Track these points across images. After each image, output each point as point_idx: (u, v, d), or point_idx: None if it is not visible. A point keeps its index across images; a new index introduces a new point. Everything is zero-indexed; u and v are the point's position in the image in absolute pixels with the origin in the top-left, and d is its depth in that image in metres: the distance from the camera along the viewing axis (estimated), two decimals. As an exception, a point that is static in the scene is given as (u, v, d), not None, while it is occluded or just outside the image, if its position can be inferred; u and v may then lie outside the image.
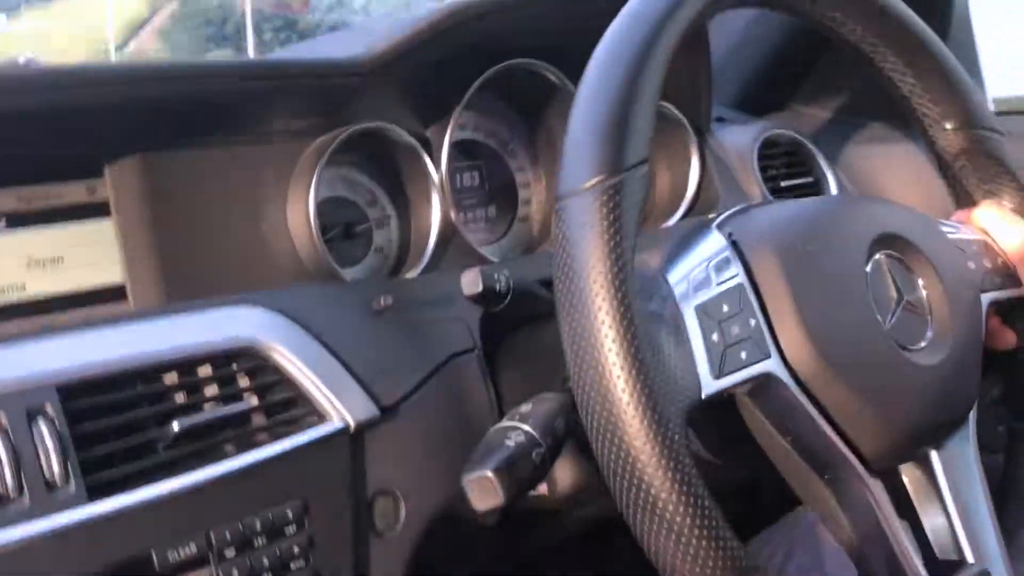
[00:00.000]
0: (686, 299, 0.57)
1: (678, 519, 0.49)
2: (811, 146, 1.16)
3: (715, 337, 0.56)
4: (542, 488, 0.75)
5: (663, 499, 0.49)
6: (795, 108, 1.30)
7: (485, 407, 0.77)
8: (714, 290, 0.57)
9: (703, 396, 0.54)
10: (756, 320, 0.57)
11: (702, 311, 0.57)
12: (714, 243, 0.61)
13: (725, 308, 0.57)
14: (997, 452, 0.77)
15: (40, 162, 0.70)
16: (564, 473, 0.75)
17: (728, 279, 0.59)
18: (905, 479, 0.66)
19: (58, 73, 0.66)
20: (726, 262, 0.59)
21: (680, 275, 0.58)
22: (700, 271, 0.58)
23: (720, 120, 1.19)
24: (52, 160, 0.71)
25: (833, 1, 0.69)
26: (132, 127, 0.72)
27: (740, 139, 1.11)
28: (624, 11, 0.57)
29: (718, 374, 0.55)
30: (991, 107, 1.24)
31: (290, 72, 0.76)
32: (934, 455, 0.65)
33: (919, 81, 0.73)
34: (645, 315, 0.54)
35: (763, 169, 1.10)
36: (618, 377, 0.50)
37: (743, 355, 0.56)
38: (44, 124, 0.68)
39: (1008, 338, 0.73)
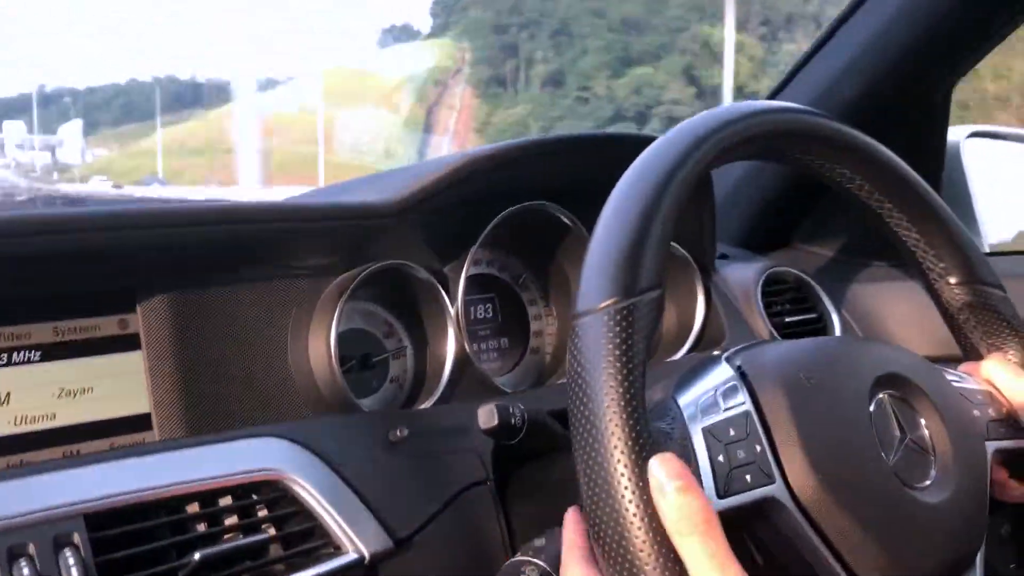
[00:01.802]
0: (694, 421, 0.59)
1: None
2: (814, 283, 1.19)
3: (721, 458, 0.58)
4: None
5: None
6: (797, 246, 1.34)
7: (497, 540, 0.78)
8: (721, 415, 0.60)
9: None
10: (761, 446, 0.59)
11: (709, 433, 0.59)
12: (723, 373, 0.63)
13: (732, 432, 0.59)
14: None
15: (76, 296, 0.74)
16: None
17: (735, 406, 0.61)
18: None
19: (95, 216, 0.70)
20: (734, 390, 0.61)
21: (689, 399, 0.61)
22: (708, 396, 0.61)
23: (724, 257, 1.23)
24: (87, 295, 0.74)
25: (840, 158, 0.73)
26: (165, 264, 0.76)
27: (744, 275, 1.15)
28: (643, 155, 0.62)
29: (723, 494, 0.57)
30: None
31: (321, 215, 0.80)
32: None
33: (923, 237, 0.76)
34: (654, 433, 0.56)
35: (767, 305, 1.13)
36: (627, 491, 0.52)
37: (748, 478, 0.58)
38: (80, 264, 0.72)
39: (1016, 491, 0.73)
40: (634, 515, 0.52)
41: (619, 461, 0.52)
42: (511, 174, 0.92)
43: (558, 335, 1.07)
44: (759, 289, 1.13)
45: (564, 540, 0.59)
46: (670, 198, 0.60)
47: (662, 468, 0.51)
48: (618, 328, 0.55)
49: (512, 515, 0.80)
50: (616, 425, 0.53)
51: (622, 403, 0.53)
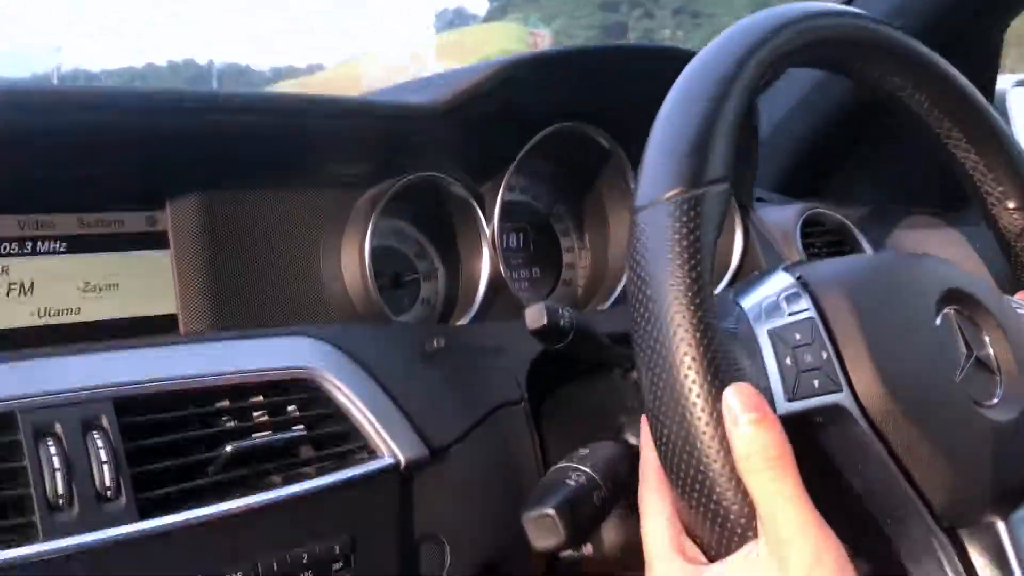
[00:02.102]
0: (759, 321, 0.56)
1: (751, 533, 0.48)
2: (852, 226, 1.16)
3: (788, 361, 0.55)
4: (587, 549, 0.72)
5: (735, 512, 0.48)
6: (835, 193, 1.31)
7: (530, 460, 0.76)
8: (786, 318, 0.57)
9: (777, 415, 0.53)
10: (828, 353, 0.56)
11: (775, 335, 0.56)
12: (783, 280, 0.60)
13: (798, 336, 0.56)
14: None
15: (103, 188, 0.71)
16: (611, 534, 0.72)
17: (799, 311, 0.58)
18: (970, 549, 0.64)
19: (130, 95, 0.67)
20: (796, 296, 0.59)
21: (752, 302, 0.58)
22: (771, 300, 0.58)
23: (760, 200, 1.20)
24: (114, 188, 0.71)
25: (902, 70, 0.70)
26: (197, 157, 0.73)
27: (783, 216, 1.12)
28: (708, 47, 0.59)
29: (792, 396, 0.54)
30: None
31: (362, 110, 0.77)
32: (1000, 526, 0.63)
33: (982, 159, 0.73)
34: (721, 333, 0.53)
35: (806, 247, 1.10)
36: (695, 385, 0.49)
37: (816, 384, 0.55)
38: (111, 148, 0.69)
39: None
40: (703, 409, 0.49)
41: (687, 355, 0.49)
42: (552, 89, 0.89)
43: (591, 267, 1.04)
44: (799, 230, 1.10)
45: (643, 457, 0.56)
46: (737, 91, 0.57)
47: (737, 397, 0.48)
48: (685, 219, 0.52)
49: (546, 436, 0.78)
50: (685, 320, 0.49)
51: (690, 297, 0.50)
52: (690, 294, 0.50)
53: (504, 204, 0.94)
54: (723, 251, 1.05)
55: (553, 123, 0.91)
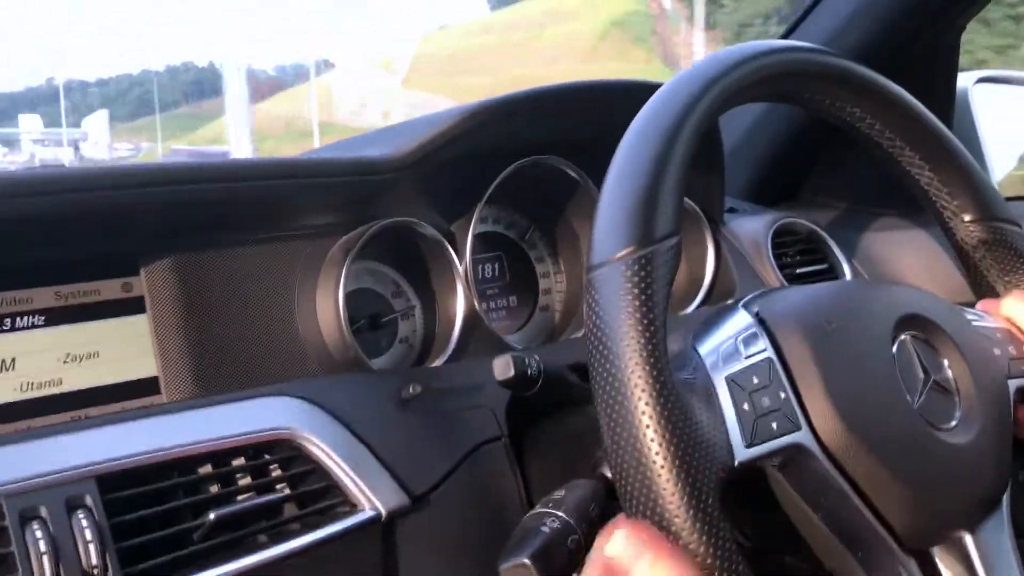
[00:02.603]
0: (716, 369, 0.58)
1: None
2: (824, 234, 1.18)
3: (746, 407, 0.57)
4: None
5: (699, 563, 0.50)
6: (806, 199, 1.32)
7: (514, 495, 0.77)
8: (743, 362, 0.58)
9: (736, 463, 0.55)
10: (786, 393, 0.58)
11: (732, 381, 0.57)
12: (741, 320, 0.62)
13: (755, 380, 0.58)
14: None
15: (77, 261, 0.72)
16: None
17: (756, 353, 0.60)
18: (940, 565, 0.65)
19: (92, 175, 0.69)
20: (754, 337, 0.60)
21: (710, 347, 0.60)
22: (729, 344, 0.60)
23: (732, 211, 1.22)
24: (88, 258, 0.73)
25: (852, 97, 0.72)
26: (166, 226, 0.74)
27: (754, 228, 1.13)
28: (652, 100, 0.60)
29: (750, 443, 0.56)
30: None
31: (322, 171, 0.79)
32: (968, 540, 0.64)
33: (936, 175, 0.75)
34: (678, 383, 0.54)
35: (778, 257, 1.12)
36: (653, 443, 0.51)
37: (774, 426, 0.57)
38: (80, 225, 0.70)
39: None
40: (661, 467, 0.51)
41: (644, 413, 0.51)
42: (517, 127, 0.91)
43: (567, 292, 1.06)
44: (769, 241, 1.12)
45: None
46: (683, 142, 0.58)
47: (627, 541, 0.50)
48: (637, 279, 0.53)
49: (528, 470, 0.79)
50: (640, 379, 0.51)
51: (645, 355, 0.52)
52: (645, 354, 0.51)
53: (477, 236, 0.96)
54: (696, 268, 1.07)
55: (519, 157, 0.93)
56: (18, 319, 0.70)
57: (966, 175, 0.75)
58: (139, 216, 0.72)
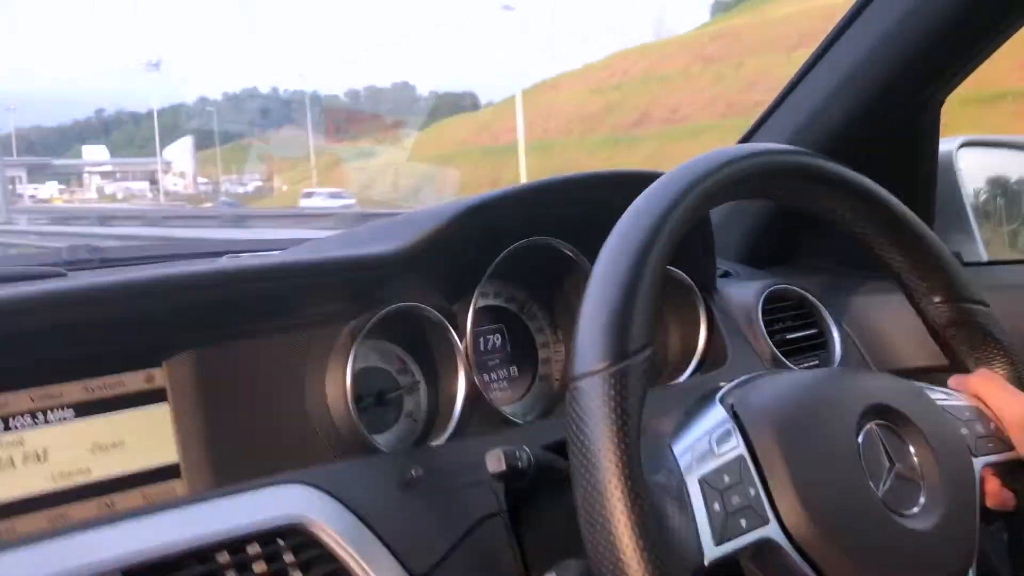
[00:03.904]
0: (690, 471, 0.63)
1: None
2: (814, 299, 1.22)
3: (716, 506, 0.61)
4: None
5: None
6: (799, 261, 1.37)
7: (511, 571, 0.82)
8: (716, 461, 0.63)
9: (707, 562, 0.59)
10: (755, 489, 0.63)
11: (705, 482, 0.62)
12: (716, 416, 0.67)
13: (726, 479, 0.63)
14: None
15: (103, 355, 0.78)
16: None
17: (729, 451, 0.64)
18: None
19: (114, 287, 0.75)
20: (727, 434, 0.65)
21: (685, 446, 0.65)
22: (703, 443, 0.65)
23: (726, 275, 1.27)
24: (113, 353, 0.79)
25: (822, 192, 0.77)
26: (187, 323, 0.80)
27: (745, 294, 1.18)
28: (626, 214, 0.66)
29: (719, 541, 0.60)
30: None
31: (327, 269, 0.84)
32: None
33: (905, 259, 0.80)
34: (652, 486, 0.60)
35: (769, 323, 1.16)
36: (627, 547, 0.56)
37: (743, 523, 0.61)
38: (106, 328, 0.77)
39: (1007, 500, 0.76)
40: (635, 570, 0.56)
41: (619, 521, 0.56)
42: (514, 215, 0.96)
43: (565, 361, 1.11)
44: (760, 308, 1.16)
45: None
46: (654, 256, 0.63)
47: None
48: (613, 392, 0.59)
49: (526, 545, 0.84)
50: (616, 488, 0.57)
51: (620, 466, 0.57)
52: (620, 464, 0.57)
53: (479, 310, 1.01)
54: (689, 338, 1.12)
55: (518, 238, 0.98)
56: (50, 412, 0.76)
57: (935, 258, 0.80)
58: (159, 317, 0.78)
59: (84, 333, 0.75)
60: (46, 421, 0.76)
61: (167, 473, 0.79)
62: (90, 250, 1.09)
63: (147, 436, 0.79)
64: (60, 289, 0.71)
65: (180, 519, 0.69)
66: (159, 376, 0.80)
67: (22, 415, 0.74)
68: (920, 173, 1.21)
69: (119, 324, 0.76)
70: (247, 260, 0.81)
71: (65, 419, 0.76)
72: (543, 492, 0.86)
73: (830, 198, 0.78)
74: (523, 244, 0.99)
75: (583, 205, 0.95)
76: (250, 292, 0.81)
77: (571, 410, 0.60)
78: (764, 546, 0.62)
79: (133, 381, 0.80)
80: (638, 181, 0.71)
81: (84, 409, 0.77)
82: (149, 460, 0.79)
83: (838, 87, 1.14)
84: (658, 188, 0.67)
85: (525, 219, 0.98)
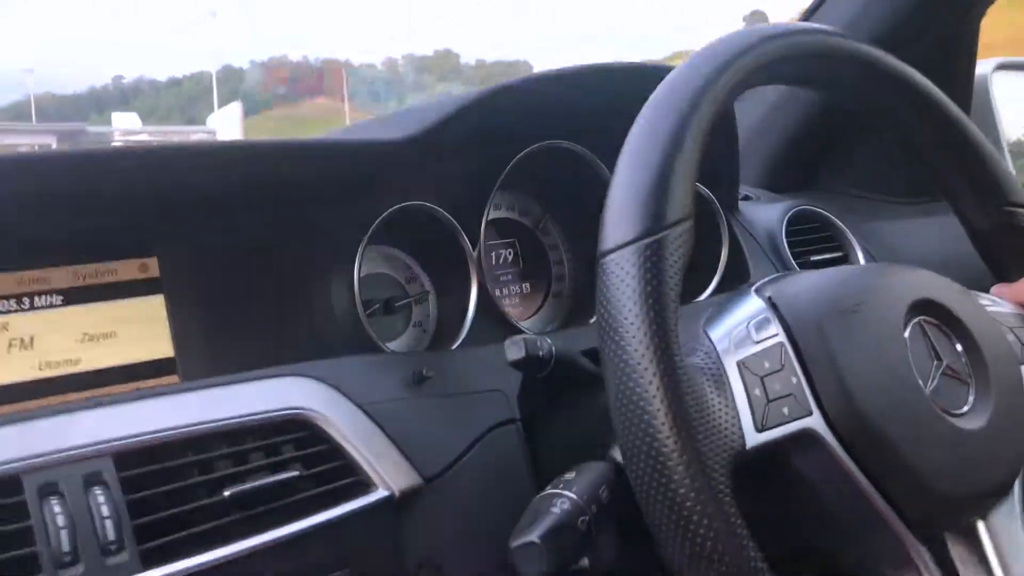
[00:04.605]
0: (728, 354, 0.58)
1: (727, 567, 0.50)
2: (838, 221, 1.18)
3: (757, 392, 0.57)
4: (585, 561, 0.75)
5: (709, 547, 0.50)
6: (821, 187, 1.32)
7: (525, 478, 0.77)
8: (755, 347, 0.59)
9: (747, 448, 0.55)
10: (797, 378, 0.58)
11: (744, 366, 0.58)
12: (753, 305, 0.62)
13: (766, 364, 0.58)
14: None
15: (95, 240, 0.73)
16: (608, 545, 0.74)
17: (768, 337, 0.60)
18: (952, 552, 0.65)
19: (110, 155, 0.69)
20: (766, 321, 0.60)
21: (722, 332, 0.60)
22: (741, 329, 0.60)
23: (747, 199, 1.22)
24: (106, 239, 0.74)
25: (871, 83, 0.71)
26: (182, 207, 0.75)
27: (768, 216, 1.13)
28: (665, 82, 0.60)
29: (761, 427, 0.56)
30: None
31: (332, 152, 0.79)
32: (980, 526, 0.64)
33: (952, 158, 0.75)
34: (689, 368, 0.55)
35: (792, 245, 1.12)
36: (664, 427, 0.51)
37: (785, 411, 0.57)
38: (98, 203, 0.71)
39: None
40: (672, 451, 0.51)
41: (655, 397, 0.51)
42: (529, 110, 0.91)
43: (580, 279, 1.06)
44: (784, 228, 1.12)
45: None
46: (696, 124, 0.58)
47: None
48: (649, 264, 0.53)
49: (539, 453, 0.80)
50: (652, 363, 0.52)
51: (656, 341, 0.52)
52: (656, 339, 0.52)
53: (490, 223, 0.96)
54: (710, 256, 1.07)
55: (531, 143, 0.93)
56: (36, 298, 0.71)
57: (982, 160, 0.75)
58: (155, 196, 0.73)
59: (72, 211, 0.70)
60: (32, 306, 0.71)
61: (161, 367, 0.75)
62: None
63: (140, 328, 0.75)
64: (43, 154, 0.66)
65: (175, 406, 0.64)
66: (153, 265, 0.76)
67: (6, 299, 0.70)
68: (955, 91, 1.15)
69: (108, 200, 0.71)
70: (244, 141, 0.75)
71: (53, 305, 0.72)
72: (558, 402, 0.82)
73: (871, 86, 0.73)
74: (539, 147, 0.94)
75: (606, 96, 0.89)
76: (247, 175, 0.76)
77: (602, 286, 0.55)
78: (807, 437, 0.57)
79: (126, 269, 0.75)
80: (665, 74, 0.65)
81: (74, 296, 0.72)
82: (142, 353, 0.75)
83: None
84: (696, 61, 0.62)
85: (543, 117, 0.93)
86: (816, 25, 0.69)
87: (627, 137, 0.58)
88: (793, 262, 1.09)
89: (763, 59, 0.64)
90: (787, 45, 0.65)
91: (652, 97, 0.60)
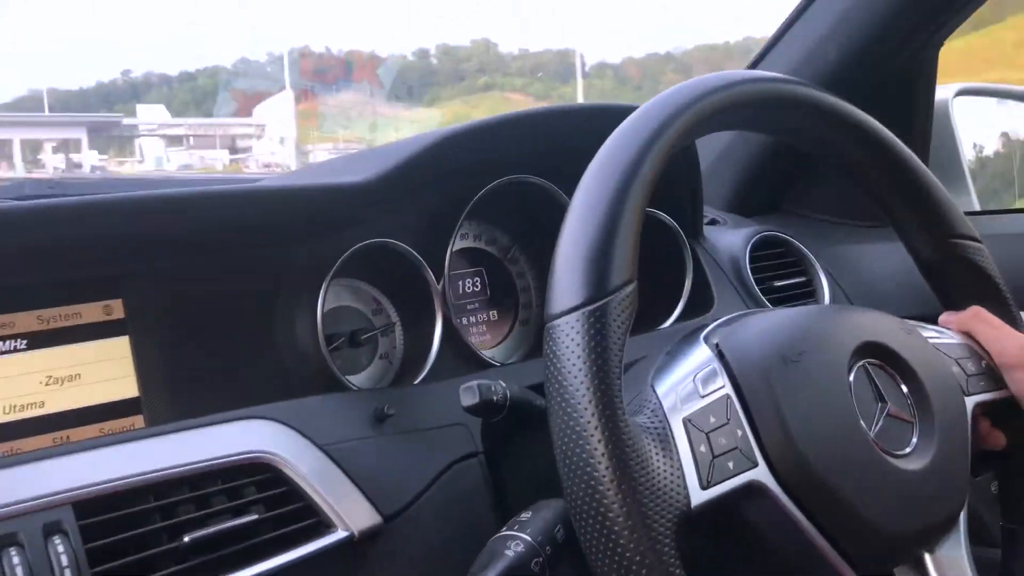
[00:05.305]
0: (674, 411, 0.59)
1: None
2: (801, 247, 1.19)
3: (703, 448, 0.58)
4: None
5: None
6: (787, 210, 1.34)
7: (488, 512, 0.79)
8: (701, 402, 0.60)
9: (692, 507, 0.56)
10: (743, 430, 0.59)
11: (690, 423, 0.59)
12: (701, 355, 0.63)
13: (712, 419, 0.59)
14: (999, 546, 0.78)
15: (59, 284, 0.74)
16: None
17: (714, 391, 0.61)
18: None
19: (75, 206, 0.70)
20: (713, 374, 0.61)
21: (668, 387, 0.61)
22: (687, 384, 0.61)
23: (713, 222, 1.23)
24: (70, 283, 0.74)
25: (817, 124, 0.73)
26: (147, 251, 0.76)
27: (733, 241, 1.15)
28: (607, 143, 0.61)
29: (707, 484, 0.57)
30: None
31: (295, 198, 0.80)
32: (928, 559, 0.66)
33: (898, 193, 0.77)
34: (634, 429, 0.56)
35: (756, 271, 1.13)
36: (609, 492, 0.52)
37: (731, 465, 0.58)
38: (63, 252, 0.72)
39: (998, 439, 0.75)
40: (617, 515, 0.52)
41: (600, 463, 0.53)
42: (492, 149, 0.92)
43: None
44: (747, 255, 1.13)
45: None
46: (639, 182, 0.59)
47: None
48: (593, 332, 0.55)
49: (502, 486, 0.81)
50: (596, 429, 0.53)
51: (600, 408, 0.53)
52: (600, 406, 0.53)
53: (458, 252, 0.97)
54: (674, 283, 1.09)
55: (497, 177, 0.95)
56: (1, 343, 0.72)
57: (928, 195, 0.77)
58: (119, 243, 0.74)
59: (37, 259, 0.71)
60: (-4, 351, 0.72)
61: (127, 408, 0.76)
62: (52, 185, 1.04)
63: (106, 369, 0.75)
64: (10, 208, 0.67)
65: (137, 453, 0.65)
66: (117, 307, 0.76)
67: (-30, 344, 0.70)
68: (916, 118, 1.17)
69: (74, 249, 0.72)
70: (211, 187, 0.77)
71: (18, 349, 0.72)
72: (520, 433, 0.83)
73: (825, 130, 0.75)
74: (503, 182, 0.95)
75: (566, 139, 0.91)
76: (213, 219, 0.77)
77: (548, 351, 0.56)
78: (752, 489, 0.59)
79: (90, 312, 0.76)
80: (624, 114, 0.67)
81: (38, 340, 0.73)
82: (108, 394, 0.75)
83: (834, 25, 1.10)
84: (638, 119, 0.63)
85: (507, 153, 0.94)
86: (761, 73, 0.70)
87: (573, 196, 0.60)
88: (757, 289, 1.11)
89: (708, 110, 0.65)
90: (732, 96, 0.67)
91: (597, 155, 0.61)
